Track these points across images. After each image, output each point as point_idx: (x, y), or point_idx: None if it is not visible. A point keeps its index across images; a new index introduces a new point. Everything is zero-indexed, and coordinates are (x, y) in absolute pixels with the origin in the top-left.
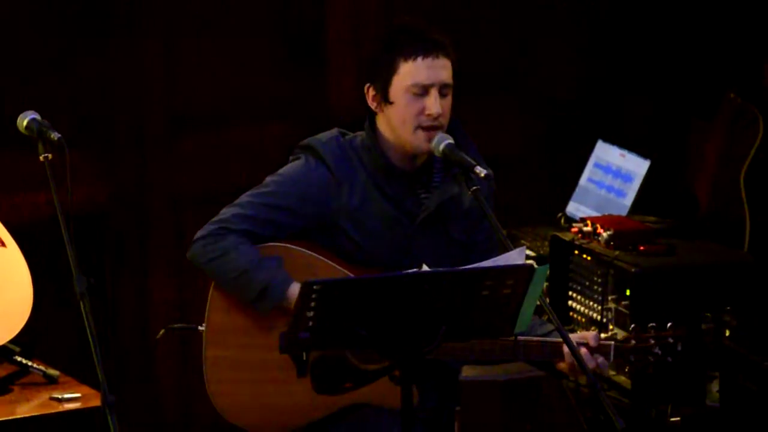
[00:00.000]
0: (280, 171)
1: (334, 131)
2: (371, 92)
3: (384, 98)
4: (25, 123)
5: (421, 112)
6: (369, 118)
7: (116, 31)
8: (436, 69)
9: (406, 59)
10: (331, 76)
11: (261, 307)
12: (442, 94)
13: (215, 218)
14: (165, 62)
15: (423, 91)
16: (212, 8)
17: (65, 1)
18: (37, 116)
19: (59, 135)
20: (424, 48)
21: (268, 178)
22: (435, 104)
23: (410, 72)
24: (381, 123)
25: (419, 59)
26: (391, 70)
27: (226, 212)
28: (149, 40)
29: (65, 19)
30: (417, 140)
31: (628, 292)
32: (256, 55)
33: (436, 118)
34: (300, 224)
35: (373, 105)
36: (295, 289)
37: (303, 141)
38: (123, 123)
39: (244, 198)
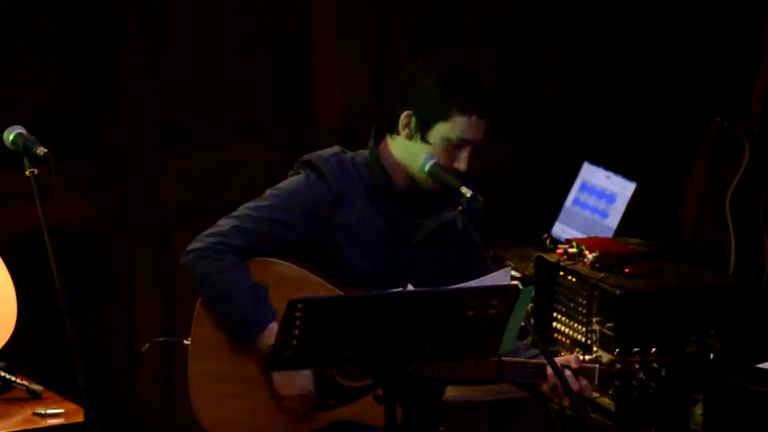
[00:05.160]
0: (280, 185)
1: (336, 148)
2: (407, 119)
3: (421, 134)
4: (11, 138)
5: (450, 163)
6: (375, 135)
7: (102, 47)
8: (481, 129)
9: (462, 113)
10: (317, 93)
11: (238, 336)
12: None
13: (213, 230)
14: (151, 78)
15: (463, 145)
16: (198, 25)
17: (51, 16)
18: (23, 131)
19: (45, 150)
20: (482, 108)
21: (268, 192)
22: (465, 161)
23: (461, 126)
24: (395, 146)
25: (474, 118)
26: (442, 115)
27: (224, 224)
28: (135, 55)
29: (51, 33)
30: (431, 183)
31: (613, 315)
32: (242, 71)
33: (461, 172)
34: (297, 239)
35: (404, 132)
36: (273, 329)
37: (304, 156)
38: (109, 139)
39: (242, 210)
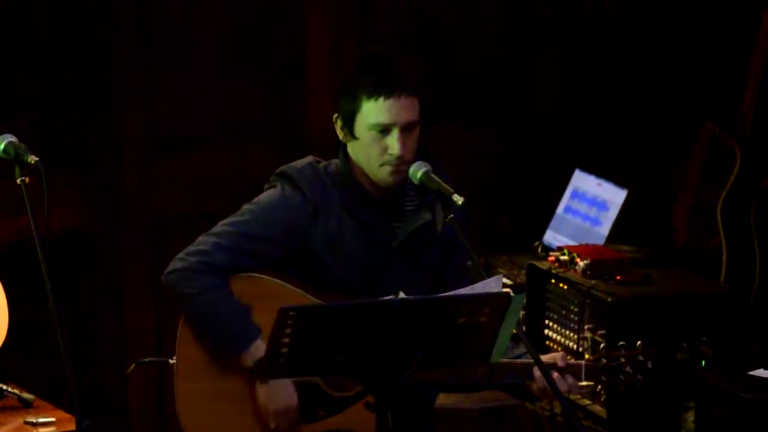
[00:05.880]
0: (257, 199)
1: (309, 158)
2: (339, 123)
3: (350, 132)
4: (1, 147)
5: (385, 150)
6: (342, 144)
7: (95, 52)
8: (398, 110)
9: (368, 98)
10: (311, 100)
11: (222, 353)
12: (406, 130)
13: (194, 248)
14: (144, 84)
15: (385, 130)
16: (193, 31)
17: (45, 24)
18: (15, 139)
19: (36, 158)
20: (387, 88)
21: (245, 207)
22: (396, 144)
23: (372, 111)
24: (351, 152)
25: (381, 100)
26: (354, 107)
27: (204, 243)
28: (129, 61)
29: (44, 39)
30: (382, 174)
31: (604, 322)
32: (236, 78)
33: (399, 157)
34: (278, 252)
35: (340, 135)
36: (258, 346)
37: (278, 169)
38: (101, 145)
39: (221, 227)
